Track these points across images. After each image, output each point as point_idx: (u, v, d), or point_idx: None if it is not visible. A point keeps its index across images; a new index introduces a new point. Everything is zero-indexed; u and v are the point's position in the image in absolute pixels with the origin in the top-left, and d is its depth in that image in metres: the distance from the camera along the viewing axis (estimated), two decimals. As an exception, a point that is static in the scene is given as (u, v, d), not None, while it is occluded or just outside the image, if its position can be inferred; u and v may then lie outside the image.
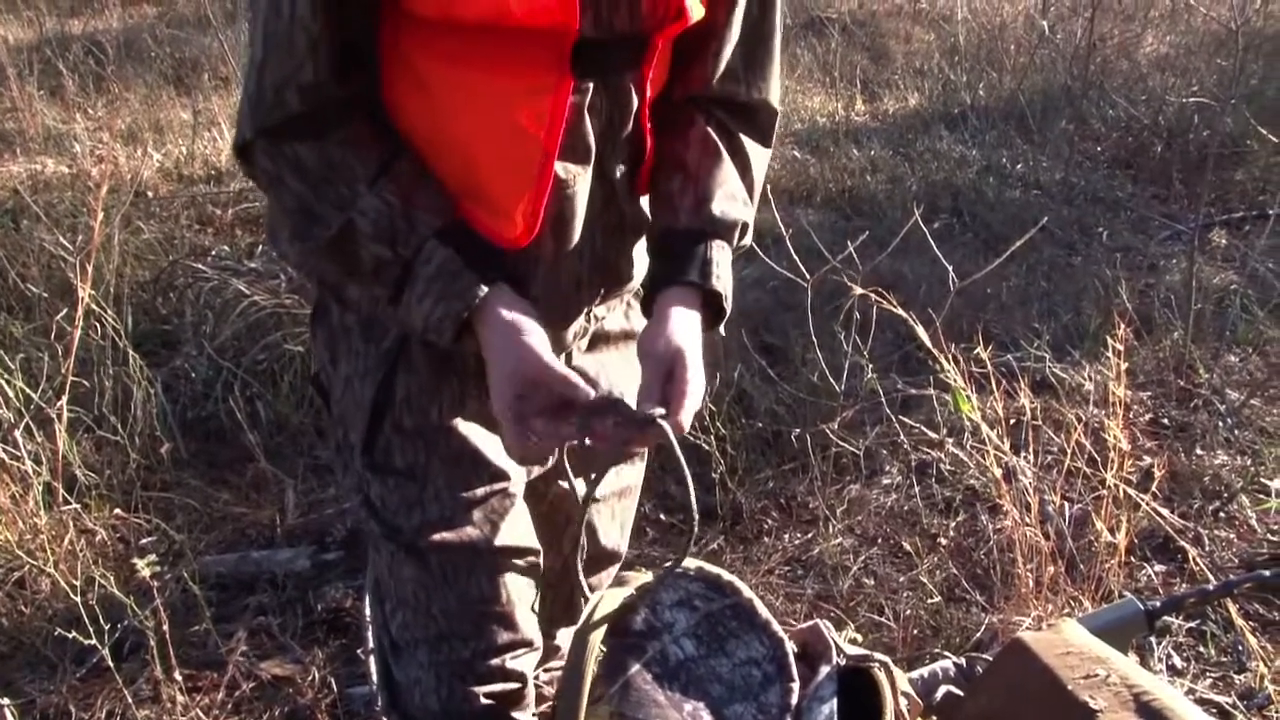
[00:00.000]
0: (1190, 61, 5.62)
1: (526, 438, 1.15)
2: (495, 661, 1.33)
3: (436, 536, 1.29)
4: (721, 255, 1.27)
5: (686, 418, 1.18)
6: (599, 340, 1.43)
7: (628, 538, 1.58)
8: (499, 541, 1.32)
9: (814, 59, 6.03)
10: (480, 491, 1.31)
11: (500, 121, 1.14)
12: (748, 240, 1.33)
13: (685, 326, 1.22)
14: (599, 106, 1.19)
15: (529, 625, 1.37)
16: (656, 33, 1.18)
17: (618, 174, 1.26)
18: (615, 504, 1.51)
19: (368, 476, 1.31)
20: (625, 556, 1.58)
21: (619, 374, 1.46)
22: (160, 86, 5.39)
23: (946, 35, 6.35)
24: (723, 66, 1.29)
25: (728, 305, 1.28)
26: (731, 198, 1.29)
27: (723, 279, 1.26)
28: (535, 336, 1.15)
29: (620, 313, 1.46)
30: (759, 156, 1.35)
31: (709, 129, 1.30)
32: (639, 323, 1.50)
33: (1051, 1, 6.23)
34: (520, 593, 1.35)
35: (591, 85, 1.17)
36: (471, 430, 1.31)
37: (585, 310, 1.33)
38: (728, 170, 1.30)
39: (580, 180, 1.21)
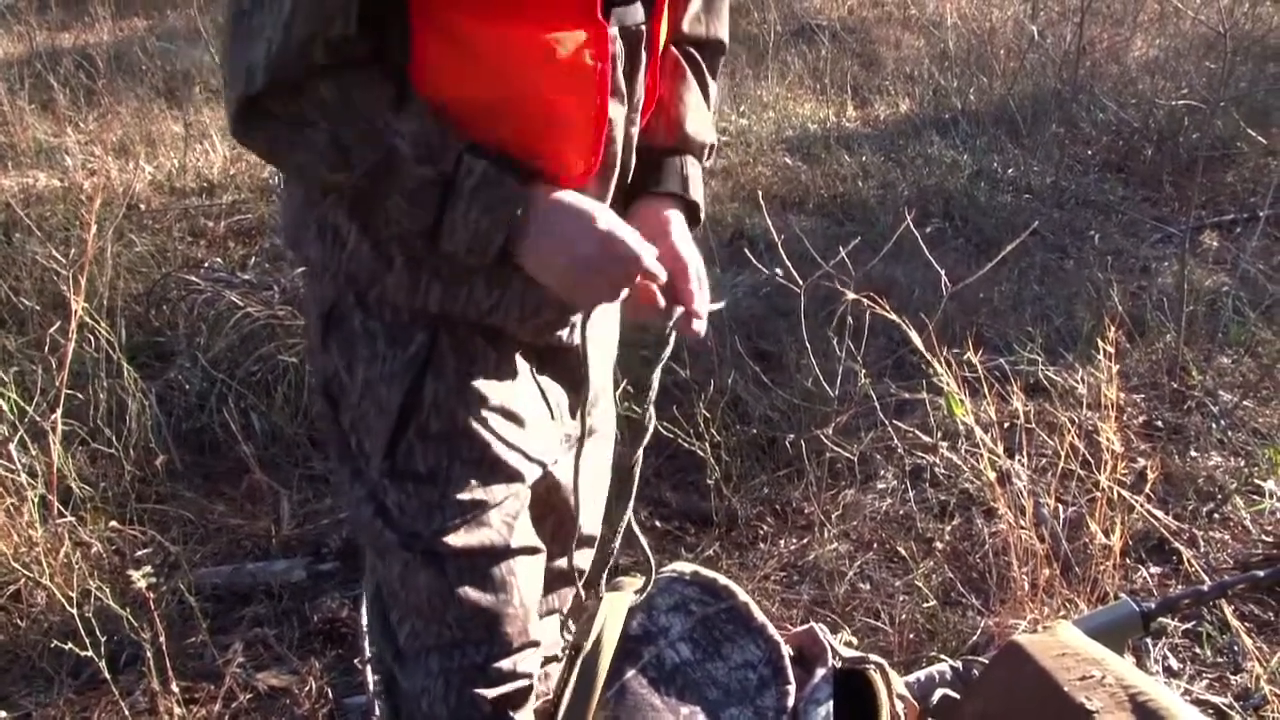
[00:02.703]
0: (1179, 65, 5.63)
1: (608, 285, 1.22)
2: (506, 664, 1.34)
3: (455, 541, 1.29)
4: (695, 170, 1.38)
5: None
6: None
7: (600, 523, 1.59)
8: (515, 543, 1.33)
9: (805, 66, 6.04)
10: (499, 493, 1.32)
11: (553, 69, 1.15)
12: (711, 160, 1.44)
13: (688, 236, 1.34)
14: (621, 55, 1.22)
15: (535, 625, 1.38)
16: None
17: (633, 124, 1.30)
18: (592, 488, 1.53)
19: (385, 484, 1.30)
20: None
21: (598, 356, 1.46)
22: (151, 99, 5.38)
23: (936, 41, 6.36)
24: (691, 12, 1.38)
25: (702, 215, 1.39)
26: (701, 120, 1.39)
27: (697, 191, 1.37)
28: (604, 209, 1.21)
29: None
30: (714, 88, 1.46)
31: (680, 59, 1.39)
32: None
33: (1041, 6, 6.25)
34: (530, 593, 1.36)
35: (617, 32, 1.20)
36: (492, 433, 1.31)
37: None
38: (697, 95, 1.40)
39: (618, 125, 1.25)
